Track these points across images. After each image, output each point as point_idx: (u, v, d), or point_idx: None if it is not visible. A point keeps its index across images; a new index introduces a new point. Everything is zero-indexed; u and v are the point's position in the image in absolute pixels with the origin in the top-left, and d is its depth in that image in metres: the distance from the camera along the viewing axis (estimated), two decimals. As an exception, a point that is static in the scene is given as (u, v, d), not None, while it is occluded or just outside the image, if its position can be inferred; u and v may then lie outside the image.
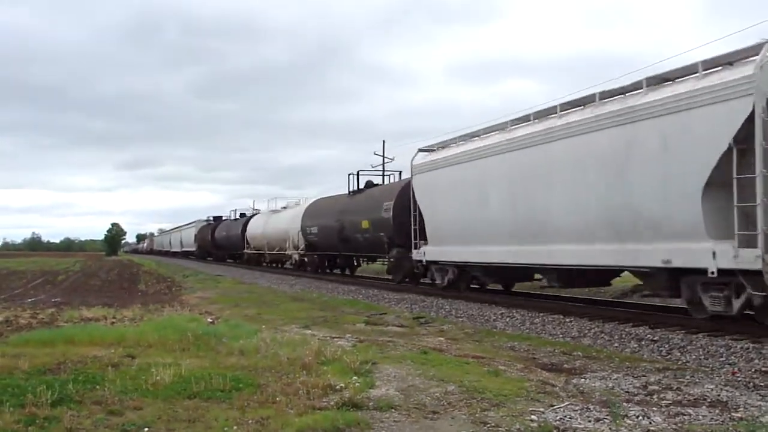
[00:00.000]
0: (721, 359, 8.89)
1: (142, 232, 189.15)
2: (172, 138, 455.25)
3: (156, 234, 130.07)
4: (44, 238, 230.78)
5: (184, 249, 75.62)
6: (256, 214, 45.43)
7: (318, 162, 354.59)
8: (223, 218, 59.34)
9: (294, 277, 30.70)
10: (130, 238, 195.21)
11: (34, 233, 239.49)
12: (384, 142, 49.65)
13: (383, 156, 48.83)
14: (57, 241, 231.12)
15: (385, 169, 42.80)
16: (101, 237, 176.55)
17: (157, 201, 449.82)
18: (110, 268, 50.72)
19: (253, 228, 42.59)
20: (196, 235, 64.70)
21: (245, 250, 44.24)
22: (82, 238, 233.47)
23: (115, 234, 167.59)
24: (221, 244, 53.38)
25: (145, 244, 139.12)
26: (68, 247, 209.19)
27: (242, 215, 51.65)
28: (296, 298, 19.94)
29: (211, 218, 63.10)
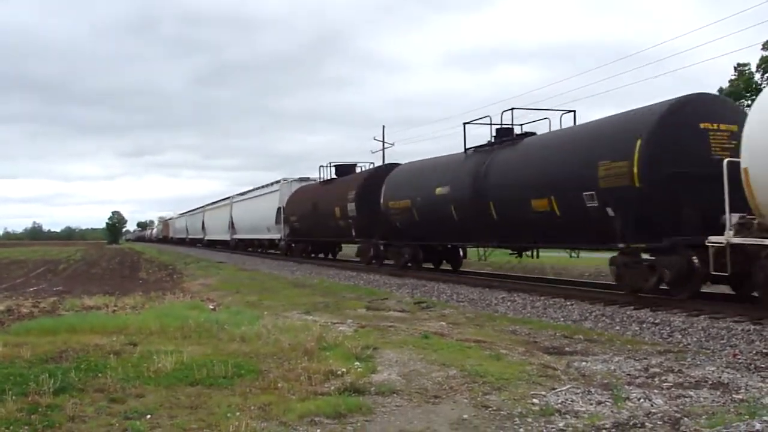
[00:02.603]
0: (722, 341, 8.89)
1: (143, 220, 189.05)
2: (173, 126, 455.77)
3: (174, 216, 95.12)
4: (45, 228, 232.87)
5: (237, 236, 44.20)
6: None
7: (315, 149, 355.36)
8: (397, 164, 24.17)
9: (295, 263, 30.69)
10: (131, 226, 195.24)
11: (35, 223, 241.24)
12: (384, 127, 49.46)
13: (383, 141, 48.75)
14: (58, 230, 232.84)
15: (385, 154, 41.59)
16: (102, 226, 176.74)
17: (158, 189, 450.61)
18: (111, 257, 50.72)
19: None
20: (282, 209, 33.92)
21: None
22: (83, 227, 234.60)
23: (116, 222, 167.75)
24: (432, 220, 19.20)
25: (155, 231, 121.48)
26: (69, 236, 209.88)
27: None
28: (297, 284, 19.94)
29: (333, 167, 28.91)
